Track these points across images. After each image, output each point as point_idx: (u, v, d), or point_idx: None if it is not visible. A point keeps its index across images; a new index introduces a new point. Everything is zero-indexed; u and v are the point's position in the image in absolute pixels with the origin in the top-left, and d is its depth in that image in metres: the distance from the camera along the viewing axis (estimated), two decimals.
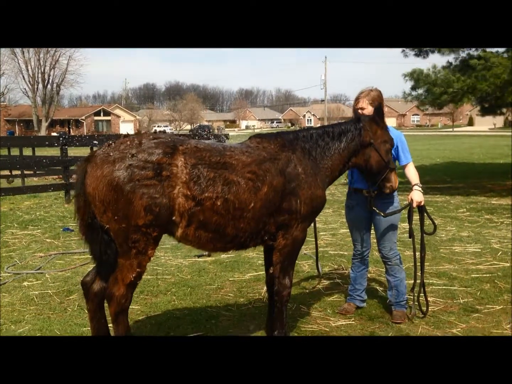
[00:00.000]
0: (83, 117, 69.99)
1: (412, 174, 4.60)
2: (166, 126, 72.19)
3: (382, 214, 4.46)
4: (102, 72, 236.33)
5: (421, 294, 4.61)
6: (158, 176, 3.17)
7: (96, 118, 72.14)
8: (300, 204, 3.68)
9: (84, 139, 13.15)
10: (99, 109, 74.33)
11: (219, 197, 3.34)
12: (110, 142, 3.36)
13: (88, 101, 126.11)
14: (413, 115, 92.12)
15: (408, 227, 4.71)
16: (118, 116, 75.14)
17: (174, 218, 3.28)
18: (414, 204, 4.41)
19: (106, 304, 3.47)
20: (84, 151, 20.30)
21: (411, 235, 4.48)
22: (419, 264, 4.67)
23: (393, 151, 4.51)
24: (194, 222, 3.35)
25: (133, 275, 3.30)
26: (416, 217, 4.64)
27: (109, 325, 3.62)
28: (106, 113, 73.65)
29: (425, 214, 4.57)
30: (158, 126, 70.84)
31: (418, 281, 4.64)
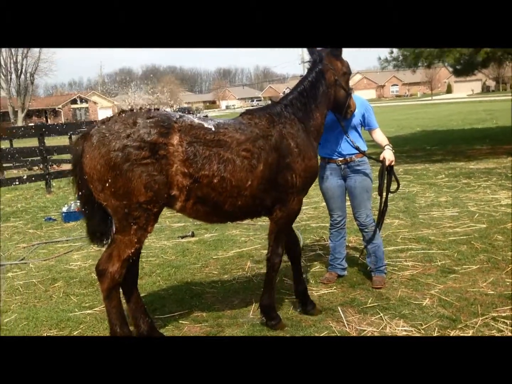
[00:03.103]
0: (60, 106, 68.79)
1: (381, 137, 4.70)
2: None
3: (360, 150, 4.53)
4: (76, 58, 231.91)
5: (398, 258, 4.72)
6: (155, 155, 3.23)
7: (73, 106, 70.99)
8: (296, 178, 3.76)
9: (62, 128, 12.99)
10: (75, 96, 73.10)
11: (216, 175, 3.41)
12: (104, 119, 3.40)
13: (64, 89, 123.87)
14: (392, 85, 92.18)
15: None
16: (96, 103, 73.95)
17: (173, 193, 3.36)
18: (387, 162, 4.49)
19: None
20: (63, 141, 20.06)
21: (380, 192, 4.55)
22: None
23: (360, 118, 4.61)
24: (192, 197, 3.44)
25: (131, 251, 3.39)
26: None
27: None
28: (83, 101, 72.50)
29: (391, 173, 4.60)
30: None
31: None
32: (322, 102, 4.03)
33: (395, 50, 13.55)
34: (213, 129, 3.49)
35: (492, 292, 4.36)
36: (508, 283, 4.53)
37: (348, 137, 4.51)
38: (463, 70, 13.90)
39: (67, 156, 13.87)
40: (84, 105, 72.25)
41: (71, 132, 13.39)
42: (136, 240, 3.37)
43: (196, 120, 3.50)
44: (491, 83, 68.97)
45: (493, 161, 12.08)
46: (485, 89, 75.57)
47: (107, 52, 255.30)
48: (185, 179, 3.34)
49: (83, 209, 3.60)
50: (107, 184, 3.23)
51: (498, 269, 4.91)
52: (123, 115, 3.37)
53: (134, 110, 3.46)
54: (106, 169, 3.21)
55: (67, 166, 14.29)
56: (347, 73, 4.20)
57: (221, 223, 3.99)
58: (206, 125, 3.49)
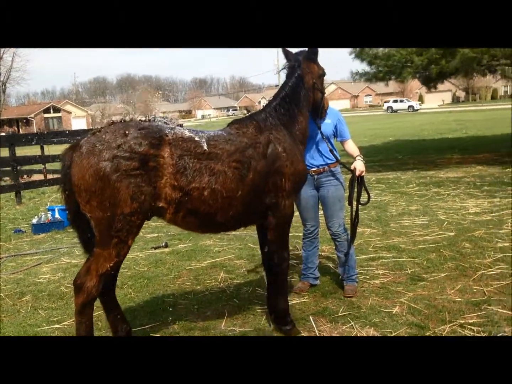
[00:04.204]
0: (32, 115, 67.61)
1: (352, 147, 4.79)
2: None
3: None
4: (49, 68, 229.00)
5: (370, 267, 4.78)
6: (144, 167, 3.21)
7: (46, 115, 69.85)
8: (285, 182, 3.80)
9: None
10: (48, 105, 72.01)
11: (206, 188, 3.41)
12: (95, 130, 3.36)
13: (37, 98, 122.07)
14: (365, 95, 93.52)
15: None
16: (69, 112, 72.95)
17: (161, 205, 3.34)
18: (357, 173, 4.56)
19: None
20: (34, 151, 19.73)
21: (350, 202, 4.62)
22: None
23: (333, 129, 4.67)
24: (182, 210, 3.43)
25: (110, 265, 3.33)
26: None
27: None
28: (56, 110, 71.48)
29: (362, 184, 4.68)
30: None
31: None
32: (304, 106, 4.10)
33: (367, 66, 14.08)
34: (204, 141, 3.49)
35: (460, 299, 4.45)
36: (475, 290, 4.64)
37: (325, 140, 4.56)
38: (428, 81, 14.44)
39: (39, 166, 13.66)
40: (57, 114, 71.20)
41: (43, 142, 13.21)
42: (115, 253, 3.32)
43: (187, 133, 3.50)
44: (461, 94, 70.60)
45: (462, 170, 12.37)
46: (455, 100, 77.40)
47: (81, 60, 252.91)
48: (174, 192, 3.33)
49: (72, 221, 3.54)
50: (94, 195, 3.19)
51: (466, 276, 5.01)
52: (114, 125, 3.35)
53: (125, 121, 3.45)
54: (94, 179, 3.17)
55: (38, 177, 14.07)
56: (323, 75, 4.30)
57: (214, 233, 4.00)
58: (196, 138, 3.49)
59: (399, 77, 13.98)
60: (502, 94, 79.62)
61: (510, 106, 34.69)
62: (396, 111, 61.07)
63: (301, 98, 4.07)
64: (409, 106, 60.70)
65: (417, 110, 59.38)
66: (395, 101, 63.70)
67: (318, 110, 4.34)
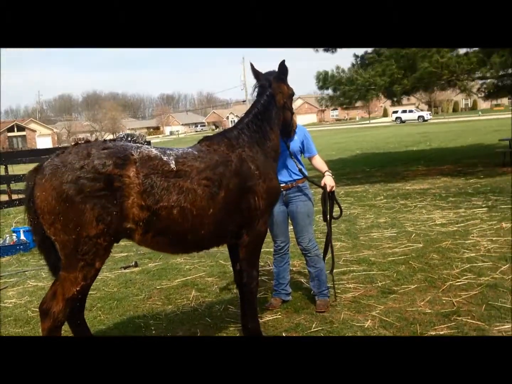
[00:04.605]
0: None
1: (320, 163, 4.86)
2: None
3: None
4: (12, 86, 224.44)
5: (340, 281, 4.81)
6: (109, 187, 3.14)
7: (10, 134, 68.44)
8: (258, 200, 3.77)
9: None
10: (12, 124, 70.54)
11: (175, 206, 3.34)
12: (58, 152, 3.29)
13: (0, 116, 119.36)
14: (332, 109, 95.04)
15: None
16: (34, 131, 71.69)
17: (129, 225, 3.27)
18: (328, 188, 4.61)
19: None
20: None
21: (325, 218, 4.66)
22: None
23: (300, 145, 4.72)
24: (151, 230, 3.35)
25: (77, 289, 3.22)
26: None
27: None
28: (20, 128, 70.04)
29: (333, 199, 4.74)
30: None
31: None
32: (276, 124, 4.12)
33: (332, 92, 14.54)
34: (172, 159, 3.43)
35: (430, 311, 4.52)
36: (444, 301, 4.71)
37: (293, 159, 4.61)
38: (392, 96, 14.95)
39: (3, 187, 13.29)
40: (22, 133, 69.75)
41: (6, 162, 12.87)
42: (82, 277, 3.21)
43: (154, 151, 3.43)
44: (424, 107, 72.53)
45: (427, 181, 12.65)
46: None
47: (45, 79, 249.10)
48: (142, 212, 3.25)
49: (39, 244, 3.45)
50: (57, 217, 3.12)
51: (435, 287, 5.10)
52: (77, 146, 3.29)
53: (89, 141, 3.40)
54: (57, 202, 3.09)
55: (3, 197, 13.68)
56: (292, 95, 4.33)
57: (187, 253, 3.94)
58: (164, 156, 3.43)
59: (363, 98, 14.47)
60: (463, 106, 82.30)
61: (470, 118, 35.86)
62: (404, 121, 59.24)
63: (273, 116, 4.09)
64: (419, 117, 59.20)
65: (426, 120, 57.49)
66: (404, 111, 61.11)
67: (288, 129, 4.38)
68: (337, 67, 14.22)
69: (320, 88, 14.50)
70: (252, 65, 4.29)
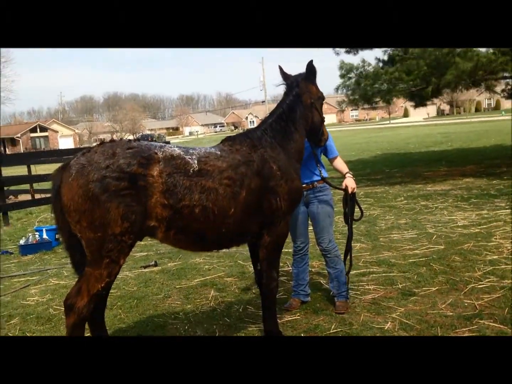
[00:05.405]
0: (19, 135, 67.31)
1: (341, 164, 4.82)
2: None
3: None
4: (35, 87, 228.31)
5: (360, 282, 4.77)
6: (134, 186, 3.20)
7: (33, 134, 69.58)
8: (280, 201, 3.77)
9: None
10: (35, 125, 71.71)
11: (197, 205, 3.39)
12: (84, 151, 3.36)
13: (23, 117, 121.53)
14: (352, 110, 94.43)
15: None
16: (56, 131, 72.75)
17: (152, 224, 3.33)
18: (350, 190, 4.58)
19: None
20: (20, 170, 19.58)
21: (347, 220, 4.63)
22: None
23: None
24: (173, 228, 3.41)
25: (102, 285, 3.30)
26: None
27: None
28: (43, 129, 71.19)
29: (354, 201, 4.71)
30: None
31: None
32: (301, 124, 4.07)
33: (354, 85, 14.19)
34: (194, 158, 3.47)
35: (451, 314, 4.45)
36: (466, 304, 4.64)
37: (318, 167, 4.58)
38: (417, 103, 14.70)
39: (26, 187, 13.54)
40: (44, 133, 70.90)
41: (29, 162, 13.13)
42: (106, 274, 3.29)
43: (177, 150, 3.48)
44: (446, 107, 71.61)
45: (449, 182, 12.48)
46: (440, 113, 78.45)
47: (68, 80, 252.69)
48: (165, 211, 3.31)
49: (64, 242, 3.53)
50: (84, 215, 3.18)
51: (457, 290, 5.02)
52: (103, 146, 3.35)
53: (114, 141, 3.46)
54: (83, 200, 3.16)
55: (26, 197, 13.93)
56: (321, 98, 4.24)
57: (207, 251, 3.96)
58: (186, 155, 3.47)
59: (388, 95, 13.96)
60: (486, 106, 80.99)
61: (493, 118, 35.26)
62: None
63: (298, 116, 4.05)
64: None
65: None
66: None
67: (317, 135, 4.27)
68: (363, 60, 13.93)
69: (342, 76, 14.01)
70: (280, 68, 4.27)
